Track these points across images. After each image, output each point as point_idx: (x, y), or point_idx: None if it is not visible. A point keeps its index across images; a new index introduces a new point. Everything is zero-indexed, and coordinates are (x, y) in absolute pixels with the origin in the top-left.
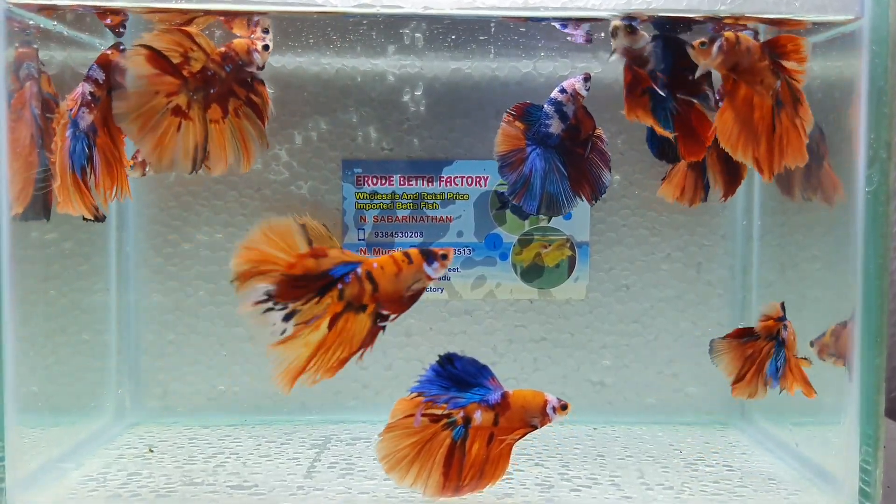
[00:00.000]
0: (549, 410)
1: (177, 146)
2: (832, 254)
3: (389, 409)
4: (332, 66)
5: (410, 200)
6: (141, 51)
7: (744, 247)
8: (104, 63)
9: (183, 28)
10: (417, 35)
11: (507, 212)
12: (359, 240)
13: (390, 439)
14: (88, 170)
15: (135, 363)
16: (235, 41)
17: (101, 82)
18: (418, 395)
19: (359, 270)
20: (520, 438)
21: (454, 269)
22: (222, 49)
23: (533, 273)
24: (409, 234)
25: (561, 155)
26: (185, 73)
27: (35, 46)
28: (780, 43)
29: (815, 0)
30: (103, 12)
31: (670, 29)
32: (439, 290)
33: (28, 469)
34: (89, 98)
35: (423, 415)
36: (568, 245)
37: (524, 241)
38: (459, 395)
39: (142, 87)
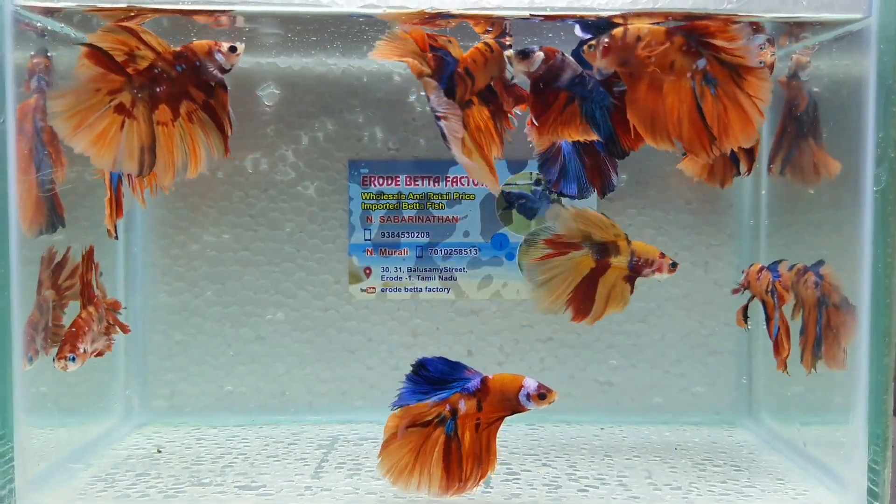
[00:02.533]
0: (521, 397)
1: (119, 145)
2: (840, 253)
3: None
4: (337, 66)
5: (417, 200)
6: (81, 49)
7: (751, 246)
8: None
9: (129, 26)
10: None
11: (514, 212)
12: (365, 240)
13: (388, 454)
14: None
15: (142, 364)
16: (195, 42)
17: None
18: (403, 409)
19: None
20: (497, 421)
21: (460, 269)
22: (178, 49)
23: None
24: (416, 234)
25: (581, 144)
26: (129, 70)
27: (49, 55)
28: (700, 25)
29: None
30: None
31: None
32: (446, 291)
33: (37, 469)
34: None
35: (411, 426)
36: None
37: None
38: (441, 391)
39: (80, 84)
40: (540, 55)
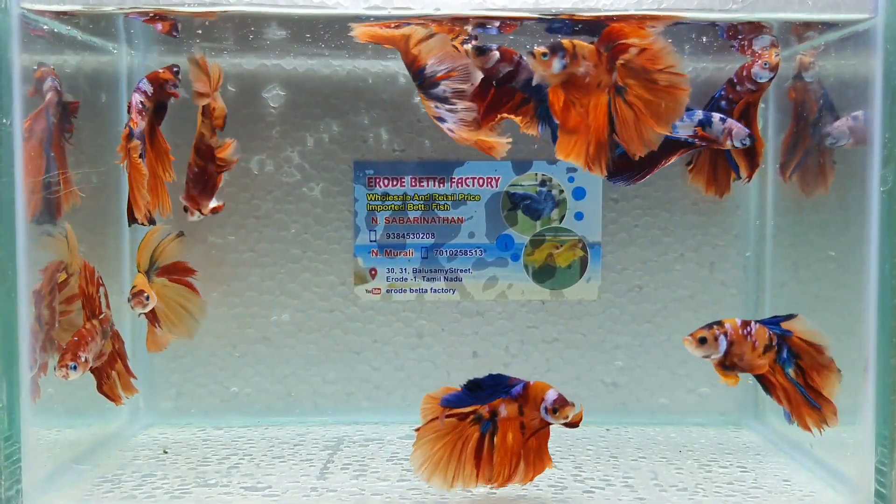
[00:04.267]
0: (541, 410)
1: None
2: (846, 253)
3: (401, 410)
4: (343, 67)
5: (422, 202)
6: None
7: (757, 246)
8: (153, 79)
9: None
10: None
11: (519, 212)
12: (370, 241)
13: (421, 447)
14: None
15: (148, 365)
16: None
17: (149, 95)
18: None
19: None
20: (541, 429)
21: (466, 270)
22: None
23: (545, 274)
24: (421, 236)
25: None
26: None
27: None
28: (612, 35)
29: None
30: (152, 18)
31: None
32: (451, 292)
33: (44, 470)
34: (140, 107)
35: (450, 415)
36: (580, 246)
37: (536, 242)
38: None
39: None
40: (496, 54)
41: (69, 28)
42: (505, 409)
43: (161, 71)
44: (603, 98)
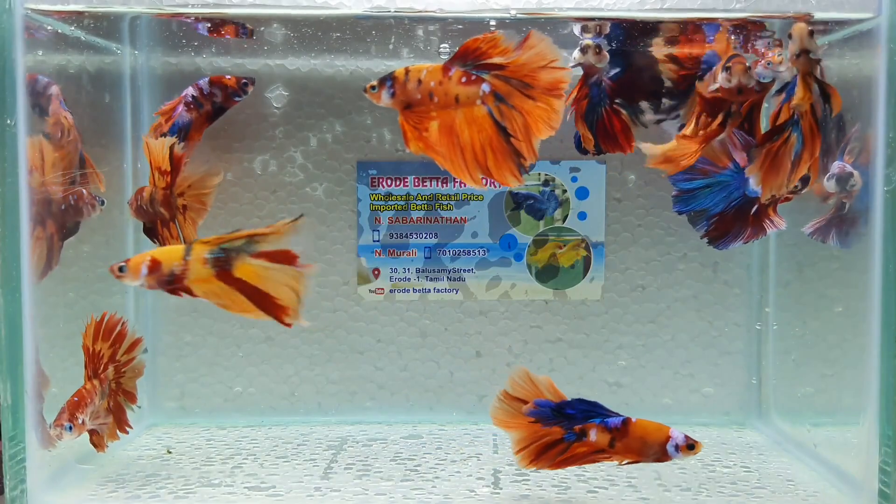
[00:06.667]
0: (670, 448)
1: None
2: (850, 253)
3: (405, 409)
4: (346, 68)
5: (425, 201)
6: None
7: (760, 246)
8: (216, 82)
9: None
10: (433, 38)
11: (522, 212)
12: (373, 241)
13: (504, 412)
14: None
15: (152, 365)
16: None
17: (205, 94)
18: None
19: None
20: (627, 464)
21: (469, 270)
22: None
23: (548, 274)
24: (424, 236)
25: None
26: None
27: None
28: (468, 53)
29: None
30: (216, 28)
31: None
32: (454, 292)
33: (48, 471)
34: (191, 100)
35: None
36: (583, 245)
37: (539, 242)
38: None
39: None
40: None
41: (73, 28)
42: (595, 436)
43: (228, 77)
44: (477, 111)
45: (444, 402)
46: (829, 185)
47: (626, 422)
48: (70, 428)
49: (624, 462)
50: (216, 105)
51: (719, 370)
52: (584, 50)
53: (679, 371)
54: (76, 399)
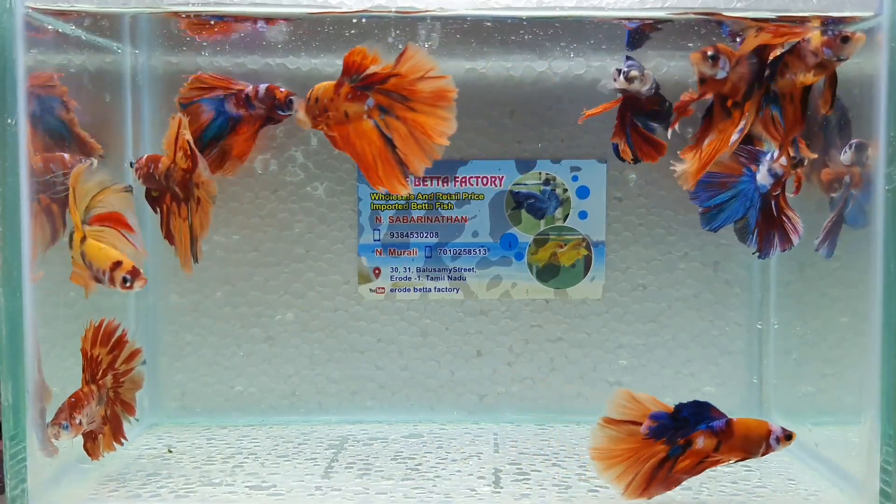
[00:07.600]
0: (772, 441)
1: None
2: (852, 252)
3: (406, 409)
4: None
5: (426, 201)
6: None
7: None
8: (272, 90)
9: None
10: (433, 34)
11: (523, 211)
12: (374, 240)
13: (607, 438)
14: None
15: (153, 364)
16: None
17: (261, 98)
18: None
19: None
20: (733, 462)
21: (469, 270)
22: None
23: (549, 273)
24: (425, 235)
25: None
26: None
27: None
28: (351, 69)
29: None
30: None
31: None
32: (455, 291)
33: (50, 470)
34: (244, 98)
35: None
36: (584, 244)
37: (540, 241)
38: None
39: None
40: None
41: (73, 27)
42: (702, 442)
43: (282, 90)
44: (365, 125)
45: (445, 402)
46: (846, 157)
47: (729, 423)
48: (67, 427)
49: (732, 462)
50: (263, 112)
51: (720, 369)
52: (630, 80)
53: (680, 370)
54: (73, 400)
